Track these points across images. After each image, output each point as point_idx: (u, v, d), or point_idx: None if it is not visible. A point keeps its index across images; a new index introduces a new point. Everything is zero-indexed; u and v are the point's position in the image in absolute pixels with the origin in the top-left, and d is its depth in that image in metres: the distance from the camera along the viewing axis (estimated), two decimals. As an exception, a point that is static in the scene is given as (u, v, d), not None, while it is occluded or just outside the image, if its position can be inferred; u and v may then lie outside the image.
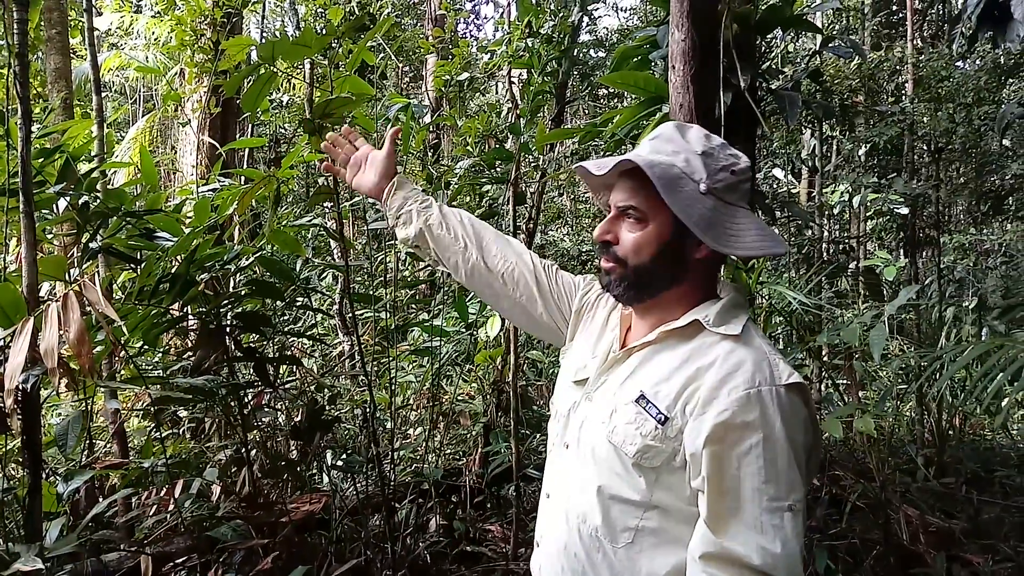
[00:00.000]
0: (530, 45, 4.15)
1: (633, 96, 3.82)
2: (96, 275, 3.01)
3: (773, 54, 5.63)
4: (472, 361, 4.31)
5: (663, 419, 1.09)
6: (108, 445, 3.65)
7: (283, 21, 8.93)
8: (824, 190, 7.49)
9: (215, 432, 3.74)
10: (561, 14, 4.40)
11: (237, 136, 5.83)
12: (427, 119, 6.65)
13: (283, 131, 8.82)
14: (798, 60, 6.69)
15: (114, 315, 1.87)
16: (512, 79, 4.27)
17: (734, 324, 1.14)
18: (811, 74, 4.42)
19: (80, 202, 2.92)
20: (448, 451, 4.60)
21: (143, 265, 2.67)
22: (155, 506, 3.20)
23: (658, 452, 1.09)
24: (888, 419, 4.16)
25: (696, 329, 1.16)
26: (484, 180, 3.65)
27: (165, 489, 3.16)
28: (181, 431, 3.83)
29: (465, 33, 13.16)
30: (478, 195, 4.19)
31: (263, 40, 5.17)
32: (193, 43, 4.98)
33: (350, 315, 4.26)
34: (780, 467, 1.01)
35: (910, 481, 3.75)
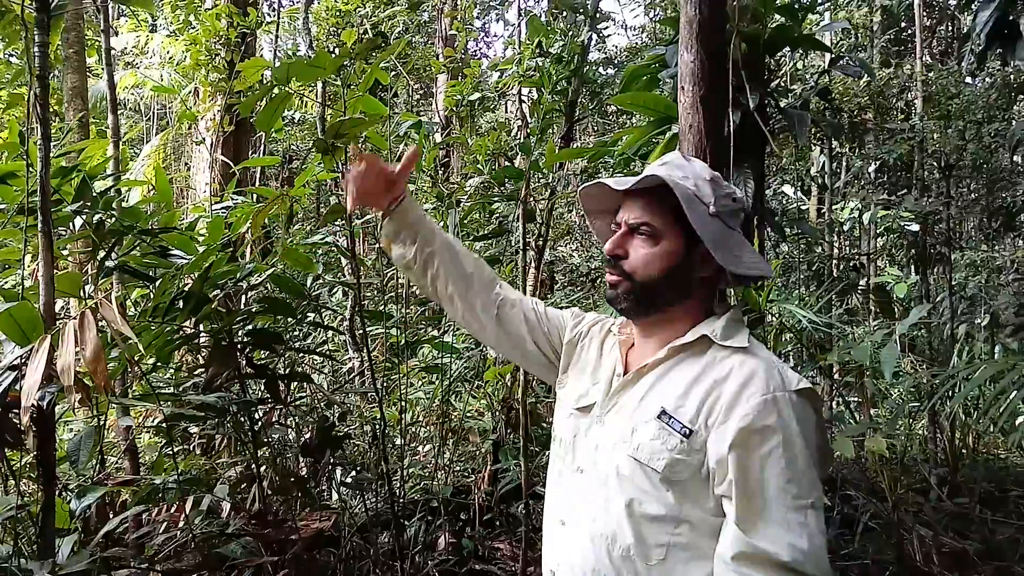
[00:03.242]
0: (540, 64, 4.19)
1: (642, 115, 3.84)
2: (111, 293, 3.04)
3: (782, 72, 5.65)
4: (481, 378, 4.31)
5: (688, 432, 1.13)
6: (119, 461, 3.67)
7: (296, 41, 9.04)
8: (834, 207, 7.47)
9: (225, 449, 3.76)
10: (571, 34, 4.45)
11: (250, 154, 5.90)
12: (438, 137, 6.70)
13: (295, 149, 8.90)
14: (807, 78, 6.71)
15: (130, 333, 1.89)
16: (522, 98, 4.31)
17: (740, 337, 1.21)
18: (820, 92, 4.43)
19: (96, 220, 2.96)
20: (457, 468, 4.59)
21: (158, 283, 2.70)
22: (165, 523, 3.22)
23: (685, 465, 1.13)
24: (900, 438, 4.13)
25: (705, 344, 1.22)
26: (495, 198, 3.67)
27: (176, 506, 3.17)
28: (192, 448, 3.85)
29: (475, 52, 13.28)
30: (488, 212, 4.21)
31: (277, 61, 5.25)
32: (208, 63, 5.05)
33: (360, 332, 4.28)
34: (800, 467, 1.07)
35: (923, 501, 3.71)
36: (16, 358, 2.03)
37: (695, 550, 1.12)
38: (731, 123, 2.72)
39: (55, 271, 2.49)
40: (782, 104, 3.78)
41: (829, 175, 7.50)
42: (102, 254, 2.96)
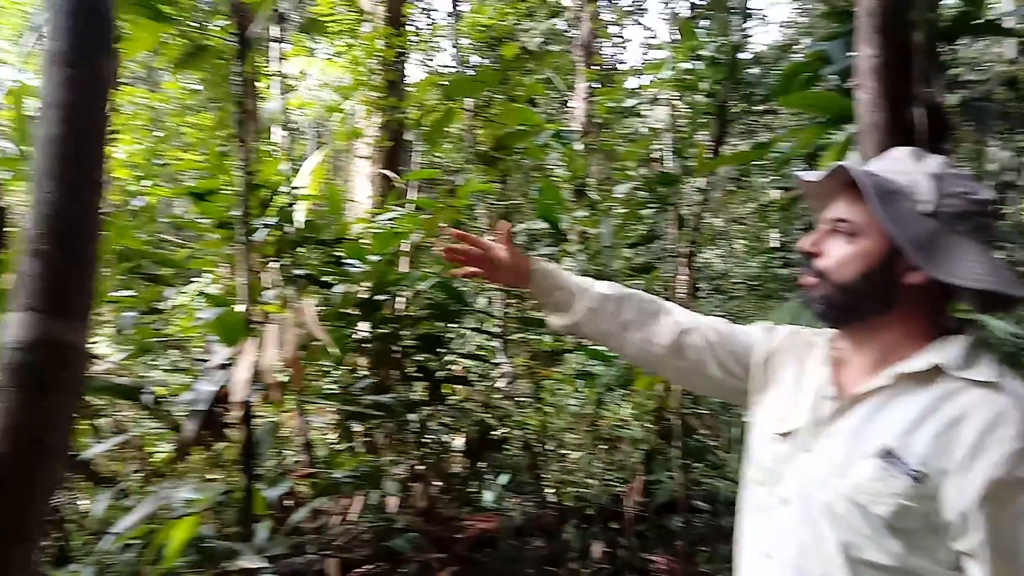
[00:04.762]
0: (692, 68, 4.11)
1: (800, 114, 3.66)
2: (308, 299, 3.28)
3: (961, 62, 5.21)
4: (633, 386, 4.26)
5: (918, 476, 1.01)
6: (296, 455, 3.95)
7: (440, 57, 9.40)
8: (1021, 206, 6.76)
9: (388, 447, 3.96)
10: (723, 35, 4.33)
11: (405, 167, 6.19)
12: (578, 146, 6.73)
13: (439, 159, 9.23)
14: (989, 67, 6.12)
15: (326, 337, 2.04)
16: (672, 102, 4.25)
17: (984, 369, 1.05)
18: (1007, 82, 4.04)
19: (280, 232, 3.22)
20: (607, 476, 4.56)
21: (343, 290, 2.89)
22: (340, 514, 3.43)
23: (914, 513, 1.01)
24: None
25: (936, 373, 1.07)
26: (651, 204, 3.63)
27: (349, 499, 3.38)
28: (357, 445, 4.08)
29: (611, 57, 13.23)
30: (637, 219, 4.18)
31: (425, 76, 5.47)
32: (367, 82, 5.37)
33: (511, 337, 4.38)
34: None
35: None
36: (225, 358, 2.24)
37: None
38: (915, 119, 2.54)
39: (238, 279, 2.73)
40: (963, 96, 3.48)
41: (1015, 171, 6.80)
42: (287, 263, 3.22)
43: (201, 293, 3.13)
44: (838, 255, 1.13)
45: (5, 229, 3.67)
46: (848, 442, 1.10)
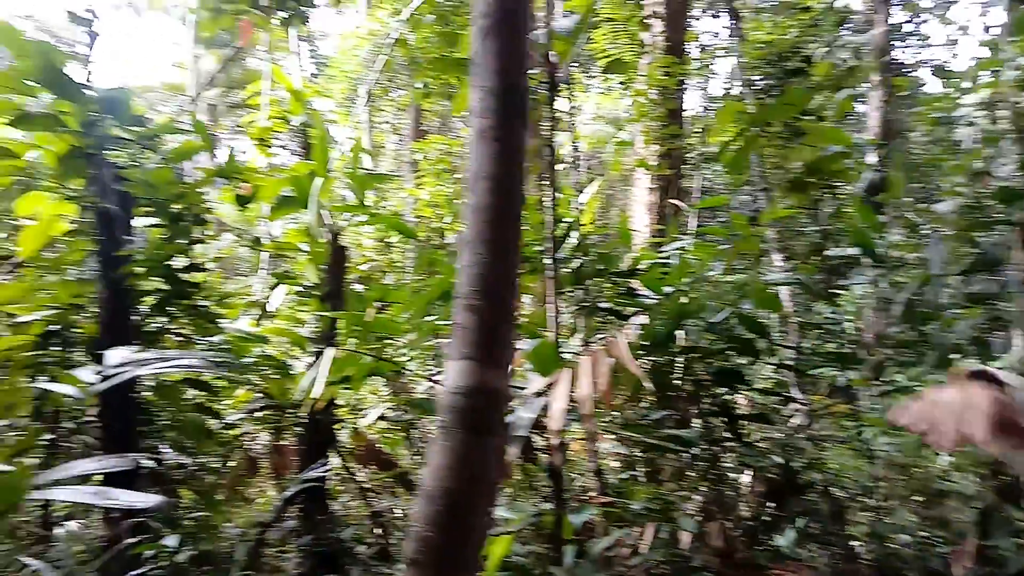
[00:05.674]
0: (1036, 63, 3.51)
1: None
2: (625, 332, 3.36)
3: None
4: (960, 434, 3.70)
5: None
6: (587, 482, 4.04)
7: (712, 83, 9.20)
8: None
9: (676, 480, 3.87)
10: (1079, 20, 3.64)
11: (683, 195, 6.12)
12: (871, 158, 6.11)
13: (714, 185, 9.01)
14: None
15: (638, 370, 2.05)
16: (1013, 104, 3.65)
17: None
18: None
19: (578, 264, 3.35)
20: (924, 534, 4.00)
21: (641, 322, 2.91)
22: (630, 545, 3.43)
23: None
24: None
25: None
26: (988, 224, 3.15)
27: (640, 530, 3.36)
28: (642, 475, 4.05)
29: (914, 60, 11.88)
30: (969, 242, 3.64)
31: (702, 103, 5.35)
32: (648, 112, 5.42)
33: (807, 372, 4.06)
34: None
35: None
36: (541, 387, 2.37)
37: None
38: None
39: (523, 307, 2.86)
40: None
41: None
42: (580, 294, 3.32)
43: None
44: None
45: (345, 266, 4.29)
46: None
